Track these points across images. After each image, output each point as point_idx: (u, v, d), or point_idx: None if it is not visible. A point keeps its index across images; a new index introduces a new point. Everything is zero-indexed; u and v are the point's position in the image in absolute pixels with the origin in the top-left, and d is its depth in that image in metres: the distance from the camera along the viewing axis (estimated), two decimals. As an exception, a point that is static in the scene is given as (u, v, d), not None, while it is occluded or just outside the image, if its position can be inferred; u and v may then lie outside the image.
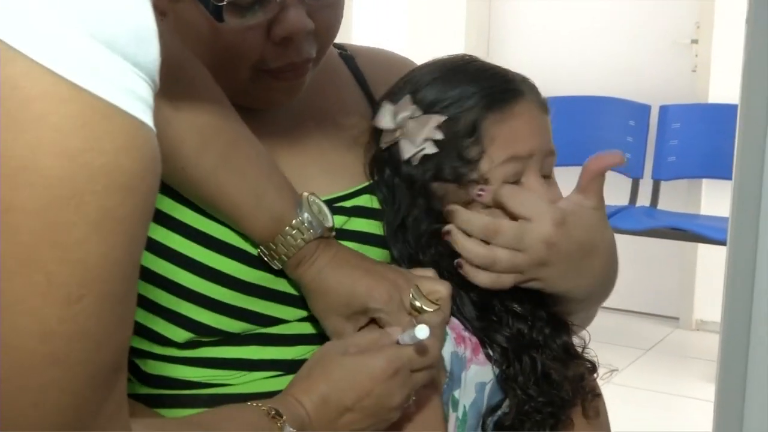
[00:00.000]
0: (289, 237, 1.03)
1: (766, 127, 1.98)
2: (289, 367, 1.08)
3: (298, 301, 1.09)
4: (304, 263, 1.05)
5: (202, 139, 1.00)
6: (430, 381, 1.04)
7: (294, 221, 1.04)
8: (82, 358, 0.53)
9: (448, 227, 1.08)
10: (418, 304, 1.04)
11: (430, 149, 1.09)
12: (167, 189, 1.04)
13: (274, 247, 1.04)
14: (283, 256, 1.04)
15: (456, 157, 1.09)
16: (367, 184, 1.16)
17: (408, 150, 1.10)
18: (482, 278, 1.07)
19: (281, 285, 1.08)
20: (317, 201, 1.07)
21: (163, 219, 1.05)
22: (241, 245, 1.06)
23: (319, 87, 1.16)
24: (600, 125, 4.58)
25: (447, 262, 1.10)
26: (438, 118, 1.09)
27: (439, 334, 1.04)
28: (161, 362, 1.07)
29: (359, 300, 1.05)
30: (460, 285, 1.09)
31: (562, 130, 4.62)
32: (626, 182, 4.45)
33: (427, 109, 1.10)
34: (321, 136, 1.16)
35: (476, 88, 1.11)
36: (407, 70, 1.18)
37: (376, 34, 4.90)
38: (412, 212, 1.11)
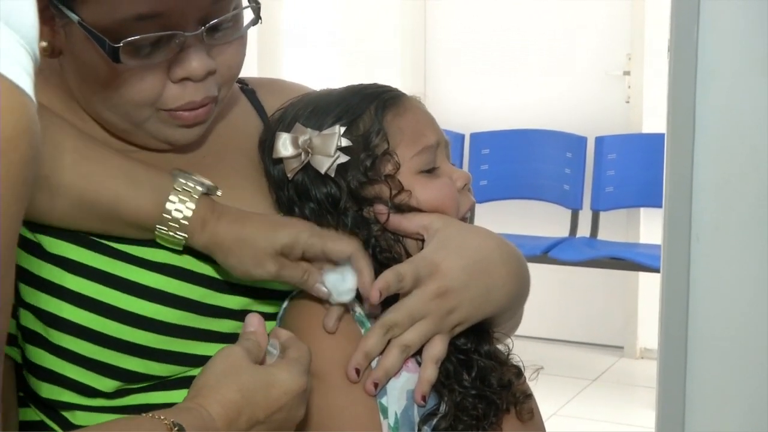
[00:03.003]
0: (179, 199, 1.02)
1: (692, 154, 2.02)
2: None
3: (223, 337, 1.08)
4: (208, 223, 1.04)
5: (53, 143, 0.98)
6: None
7: (175, 185, 1.03)
8: None
9: (355, 363, 1.07)
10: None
11: (343, 158, 1.11)
12: (73, 235, 1.03)
13: (169, 217, 1.02)
14: (183, 221, 1.02)
15: (370, 157, 1.11)
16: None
17: (323, 164, 1.10)
18: (428, 374, 1.08)
19: (204, 323, 1.07)
20: (186, 171, 1.06)
21: (73, 267, 1.03)
22: (158, 285, 1.05)
23: (223, 123, 1.17)
24: (538, 158, 4.63)
25: (392, 252, 1.12)
26: (341, 128, 1.11)
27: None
28: (90, 413, 1.05)
29: (283, 235, 1.05)
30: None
31: (501, 164, 4.69)
32: (566, 214, 4.49)
33: (322, 127, 1.12)
34: (230, 171, 1.15)
35: (359, 98, 1.15)
36: None
37: (308, 73, 4.92)
38: (345, 223, 1.11)
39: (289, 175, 1.13)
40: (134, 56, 1.00)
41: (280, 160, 1.12)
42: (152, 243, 1.05)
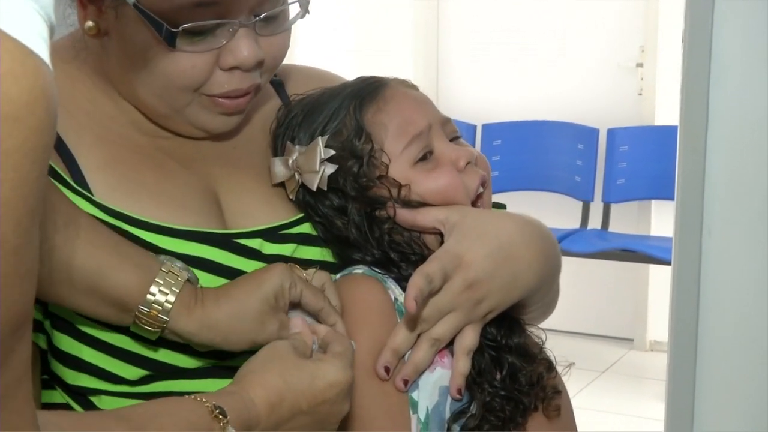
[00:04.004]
0: (165, 282, 0.98)
1: (705, 147, 2.02)
2: None
3: None
4: (193, 308, 1.00)
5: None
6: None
7: (162, 267, 0.99)
8: None
9: (384, 361, 1.06)
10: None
11: (330, 169, 1.10)
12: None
13: (153, 299, 0.98)
14: (166, 304, 0.98)
15: (357, 162, 1.11)
16: None
17: (311, 181, 1.10)
18: (461, 366, 1.07)
19: None
20: (170, 257, 1.03)
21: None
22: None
23: (251, 115, 1.16)
24: (550, 149, 4.62)
25: (412, 246, 1.11)
26: (321, 139, 1.11)
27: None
28: (117, 398, 1.04)
29: (269, 289, 1.01)
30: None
31: (512, 155, 4.68)
32: (577, 205, 4.49)
33: (309, 141, 1.12)
34: (258, 164, 1.16)
35: (340, 100, 1.14)
36: None
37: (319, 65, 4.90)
38: (359, 228, 1.11)
39: (291, 197, 1.13)
40: (188, 42, 1.01)
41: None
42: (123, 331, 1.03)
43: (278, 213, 1.14)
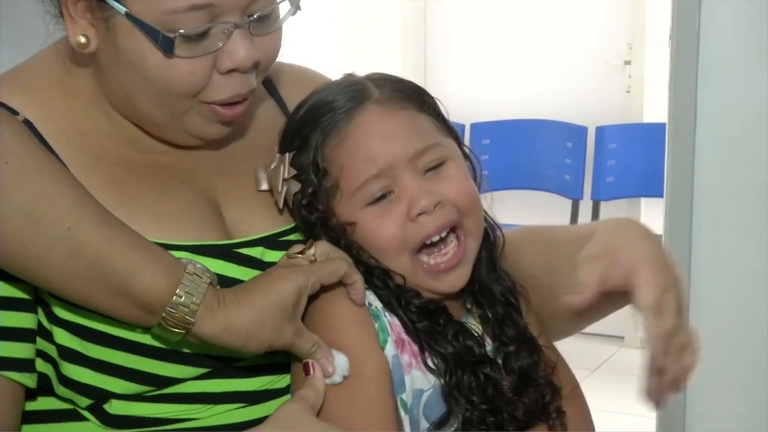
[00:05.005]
0: (191, 283, 0.98)
1: (693, 143, 2.02)
2: (253, 397, 1.08)
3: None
4: (216, 311, 1.00)
5: (77, 198, 0.96)
6: None
7: (187, 269, 0.99)
8: None
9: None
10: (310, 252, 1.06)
11: (294, 187, 1.10)
12: None
13: (181, 300, 0.97)
14: (192, 305, 0.98)
15: (313, 194, 1.10)
16: None
17: (279, 199, 1.11)
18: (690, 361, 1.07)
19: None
20: (190, 259, 1.03)
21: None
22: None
23: (245, 120, 1.16)
24: (538, 148, 4.62)
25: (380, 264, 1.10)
26: (286, 157, 1.10)
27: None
28: (126, 402, 1.04)
29: (288, 296, 1.02)
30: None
31: (501, 154, 4.68)
32: (566, 204, 4.49)
33: (290, 149, 1.12)
34: (252, 167, 1.15)
35: (311, 121, 1.11)
36: None
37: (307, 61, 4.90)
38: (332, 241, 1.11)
39: (279, 206, 1.13)
40: (185, 47, 1.00)
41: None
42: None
43: (278, 219, 1.14)
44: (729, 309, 2.09)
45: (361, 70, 1.17)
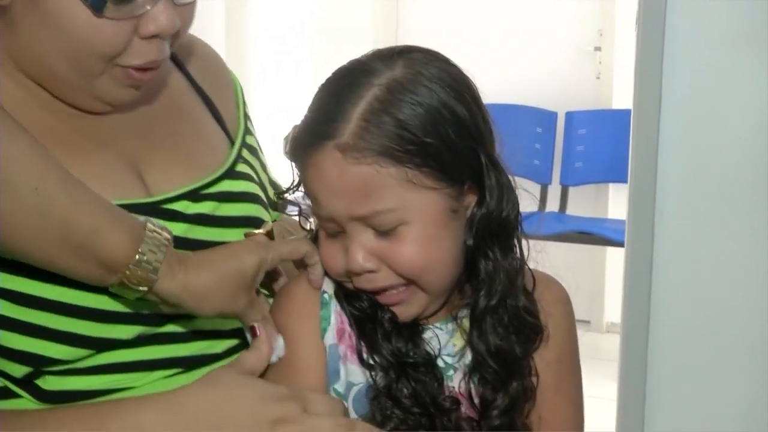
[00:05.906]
0: (152, 242, 0.99)
1: (657, 130, 2.03)
2: (189, 362, 1.09)
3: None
4: (176, 270, 1.01)
5: (42, 157, 0.96)
6: None
7: (147, 225, 1.01)
8: None
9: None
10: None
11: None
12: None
13: (144, 258, 0.99)
14: (155, 263, 0.99)
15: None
16: (225, 170, 1.18)
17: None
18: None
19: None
20: (147, 216, 1.04)
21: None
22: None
23: (153, 86, 1.17)
24: (508, 133, 4.60)
25: None
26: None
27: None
28: (60, 376, 1.04)
29: (248, 265, 1.06)
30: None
31: (471, 138, 4.68)
32: (535, 188, 4.51)
33: None
34: (169, 128, 1.17)
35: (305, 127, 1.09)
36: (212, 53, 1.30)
37: (276, 50, 4.88)
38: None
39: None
40: (114, 8, 1.00)
41: None
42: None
43: (195, 174, 1.15)
44: (691, 294, 2.10)
45: (332, 65, 1.11)
